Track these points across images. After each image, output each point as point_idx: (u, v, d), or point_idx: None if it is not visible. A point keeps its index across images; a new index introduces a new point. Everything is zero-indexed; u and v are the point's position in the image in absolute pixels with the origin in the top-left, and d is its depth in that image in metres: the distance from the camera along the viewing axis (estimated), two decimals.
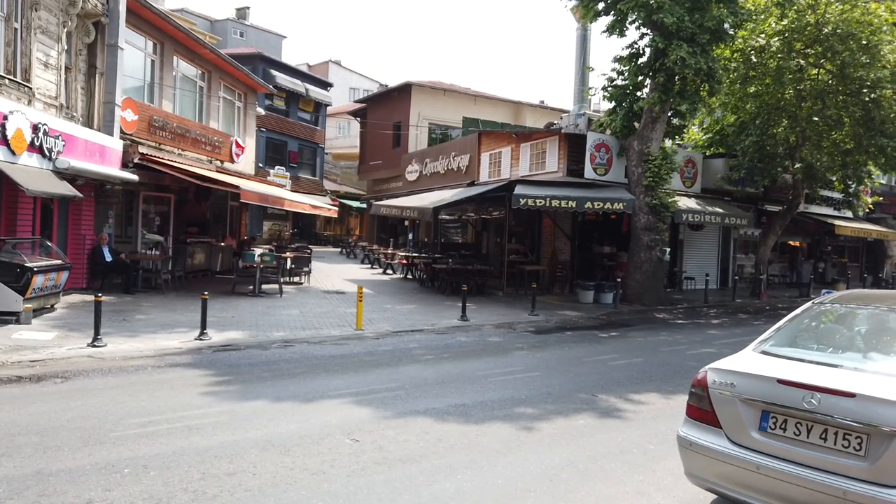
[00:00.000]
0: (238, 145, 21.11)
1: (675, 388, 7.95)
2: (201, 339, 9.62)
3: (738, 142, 19.21)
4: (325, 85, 40.53)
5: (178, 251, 17.39)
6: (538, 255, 20.00)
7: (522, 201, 15.52)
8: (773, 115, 18.54)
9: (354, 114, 40.25)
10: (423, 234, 29.61)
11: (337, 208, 24.63)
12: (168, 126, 16.79)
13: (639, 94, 17.16)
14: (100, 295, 9.22)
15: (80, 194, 12.22)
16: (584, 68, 23.04)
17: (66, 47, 13.17)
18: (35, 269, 10.25)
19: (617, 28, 16.36)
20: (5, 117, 10.55)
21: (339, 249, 36.52)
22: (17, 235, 11.56)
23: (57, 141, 11.93)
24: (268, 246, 22.88)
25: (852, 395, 3.45)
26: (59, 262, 11.44)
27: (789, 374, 3.76)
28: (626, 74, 17.12)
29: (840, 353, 4.12)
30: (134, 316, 11.50)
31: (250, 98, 23.83)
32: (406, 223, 31.25)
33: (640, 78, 16.85)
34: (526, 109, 34.41)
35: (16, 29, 11.73)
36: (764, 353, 4.24)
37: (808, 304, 4.83)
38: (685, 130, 19.52)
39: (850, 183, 20.78)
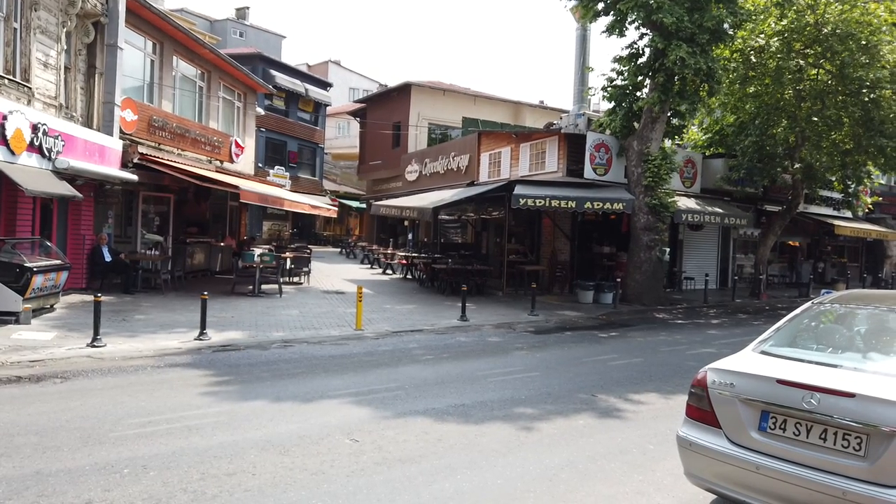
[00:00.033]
0: (237, 145, 21.11)
1: (675, 388, 7.95)
2: (201, 340, 9.62)
3: (738, 142, 19.22)
4: (325, 85, 40.54)
5: (177, 251, 17.39)
6: (538, 255, 20.01)
7: (522, 201, 15.52)
8: (773, 115, 18.54)
9: (354, 114, 40.26)
10: (423, 234, 29.61)
11: (336, 208, 24.62)
12: (167, 126, 16.79)
13: (638, 94, 17.16)
14: (99, 295, 9.22)
15: (79, 194, 12.22)
16: (583, 68, 23.05)
17: (65, 47, 13.16)
18: (34, 269, 10.25)
19: (616, 28, 16.36)
20: (5, 117, 10.54)
21: (338, 249, 36.52)
22: (16, 235, 11.56)
23: (56, 141, 11.93)
24: (267, 246, 22.88)
25: (852, 395, 3.45)
26: (58, 262, 11.43)
27: (789, 375, 3.76)
28: (626, 74, 17.12)
29: (839, 354, 4.12)
30: (133, 316, 11.50)
31: (250, 98, 23.83)
32: (406, 223, 31.26)
33: (640, 78, 16.85)
34: (525, 109, 34.41)
35: (15, 29, 11.73)
36: (763, 353, 4.24)
37: (808, 304, 4.83)
38: (685, 130, 19.53)
39: (849, 183, 20.80)
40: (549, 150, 18.64)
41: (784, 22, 16.93)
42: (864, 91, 16.66)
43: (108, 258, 14.20)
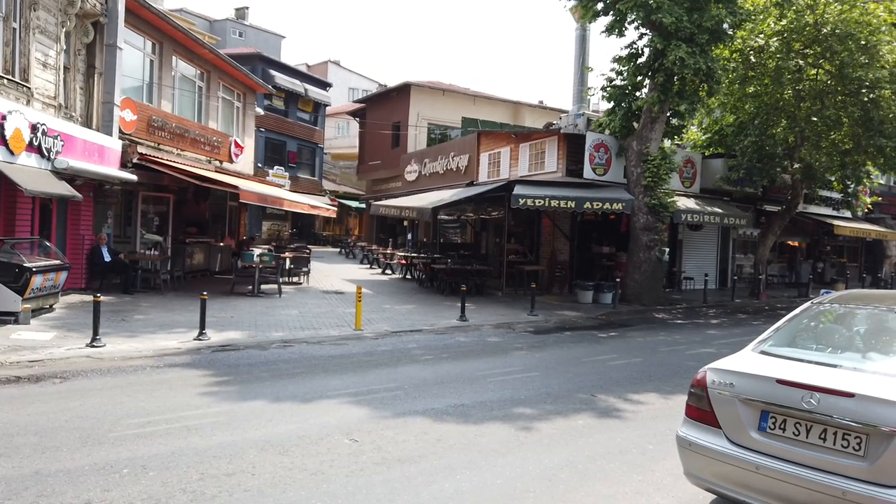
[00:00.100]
0: (237, 145, 21.10)
1: (674, 388, 7.95)
2: (200, 340, 9.61)
3: (737, 142, 19.21)
4: (324, 85, 40.54)
5: (176, 251, 17.38)
6: (537, 256, 20.01)
7: (521, 201, 15.52)
8: (772, 115, 18.54)
9: (353, 114, 40.25)
10: (422, 234, 29.61)
11: (336, 208, 24.63)
12: (167, 126, 16.78)
13: (638, 94, 17.16)
14: (98, 295, 9.20)
15: (78, 194, 12.20)
16: (583, 68, 23.04)
17: (64, 47, 13.15)
18: (34, 270, 10.24)
19: (616, 28, 16.36)
20: (4, 117, 10.54)
21: (338, 249, 36.51)
22: (15, 235, 11.56)
23: (55, 141, 11.92)
24: (267, 246, 22.86)
25: (851, 395, 3.45)
26: (57, 262, 11.42)
27: (788, 374, 3.76)
28: (625, 74, 17.12)
29: (839, 353, 4.12)
30: (133, 316, 11.49)
31: (249, 98, 23.82)
32: (405, 223, 31.25)
33: (639, 78, 16.85)
34: (525, 109, 34.42)
35: (14, 29, 11.72)
36: (763, 353, 4.24)
37: (807, 304, 4.83)
38: (684, 130, 19.52)
39: (848, 183, 20.80)
40: (548, 150, 18.64)
41: (783, 22, 16.94)
42: (864, 91, 16.66)
43: (107, 258, 14.19)
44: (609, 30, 16.53)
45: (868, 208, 24.54)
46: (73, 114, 13.60)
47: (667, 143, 18.04)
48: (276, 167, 33.95)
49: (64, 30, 12.95)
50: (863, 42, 15.93)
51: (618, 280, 16.83)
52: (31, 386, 7.09)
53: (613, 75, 17.47)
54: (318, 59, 53.81)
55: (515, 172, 19.61)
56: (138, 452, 5.09)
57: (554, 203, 15.61)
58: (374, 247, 29.41)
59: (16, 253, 10.55)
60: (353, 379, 7.93)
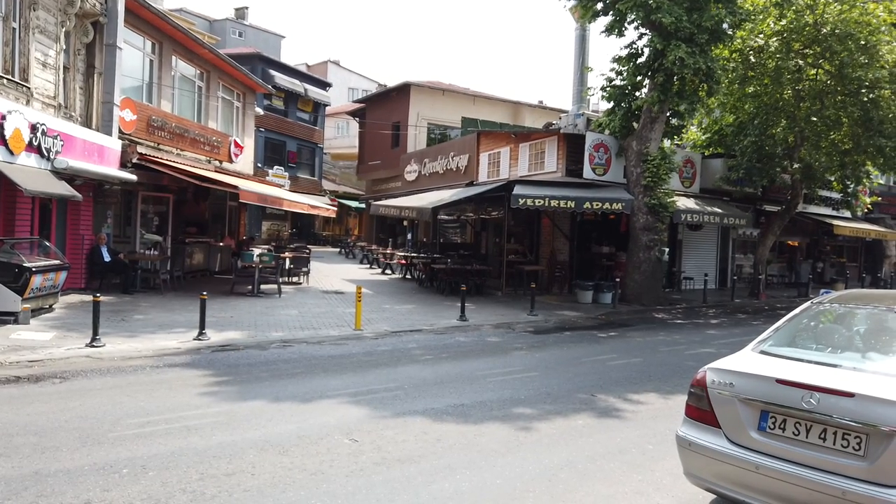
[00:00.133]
0: (237, 145, 21.10)
1: (674, 388, 7.96)
2: (200, 340, 9.61)
3: (737, 142, 19.22)
4: (324, 85, 40.54)
5: (176, 251, 17.37)
6: (537, 255, 20.00)
7: (521, 201, 15.52)
8: (772, 115, 18.55)
9: (353, 114, 40.25)
10: (422, 234, 29.61)
11: (335, 208, 24.63)
12: (167, 126, 16.77)
13: (637, 94, 17.16)
14: (98, 295, 9.20)
15: (78, 194, 12.20)
16: (582, 68, 23.02)
17: (64, 47, 13.15)
18: (33, 269, 10.24)
19: (616, 28, 16.36)
20: (3, 117, 10.53)
21: (337, 249, 36.51)
22: (15, 235, 11.55)
23: (55, 141, 11.92)
24: (266, 246, 22.87)
25: (851, 395, 3.45)
26: (57, 262, 11.42)
27: (788, 374, 3.76)
28: (625, 74, 17.12)
29: (839, 353, 4.12)
30: (132, 316, 11.49)
31: (249, 98, 23.82)
32: (405, 223, 31.25)
33: (639, 78, 16.86)
34: (525, 109, 34.42)
35: (14, 28, 11.72)
36: (763, 352, 4.24)
37: (807, 303, 4.83)
38: (684, 130, 19.52)
39: (848, 183, 20.81)
40: (548, 150, 18.64)
41: (783, 22, 16.94)
42: (863, 91, 16.67)
43: (107, 258, 14.19)
44: (609, 30, 16.53)
45: (868, 208, 24.55)
46: (73, 114, 13.60)
47: (666, 143, 18.05)
48: (275, 167, 33.96)
49: (63, 29, 12.95)
50: (862, 42, 15.94)
51: (617, 280, 16.83)
52: (31, 386, 7.09)
53: (613, 75, 17.47)
54: (318, 59, 53.87)
55: (515, 172, 19.61)
56: (138, 452, 5.09)
57: (554, 203, 15.61)
58: (373, 247, 29.41)
59: (15, 253, 10.55)
60: (352, 379, 7.93)
